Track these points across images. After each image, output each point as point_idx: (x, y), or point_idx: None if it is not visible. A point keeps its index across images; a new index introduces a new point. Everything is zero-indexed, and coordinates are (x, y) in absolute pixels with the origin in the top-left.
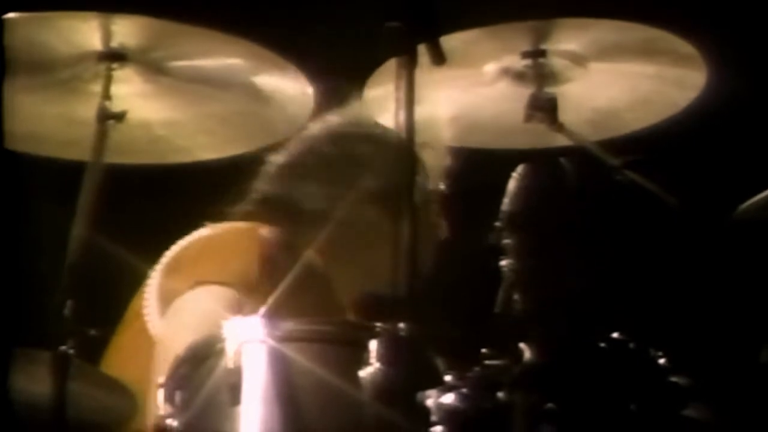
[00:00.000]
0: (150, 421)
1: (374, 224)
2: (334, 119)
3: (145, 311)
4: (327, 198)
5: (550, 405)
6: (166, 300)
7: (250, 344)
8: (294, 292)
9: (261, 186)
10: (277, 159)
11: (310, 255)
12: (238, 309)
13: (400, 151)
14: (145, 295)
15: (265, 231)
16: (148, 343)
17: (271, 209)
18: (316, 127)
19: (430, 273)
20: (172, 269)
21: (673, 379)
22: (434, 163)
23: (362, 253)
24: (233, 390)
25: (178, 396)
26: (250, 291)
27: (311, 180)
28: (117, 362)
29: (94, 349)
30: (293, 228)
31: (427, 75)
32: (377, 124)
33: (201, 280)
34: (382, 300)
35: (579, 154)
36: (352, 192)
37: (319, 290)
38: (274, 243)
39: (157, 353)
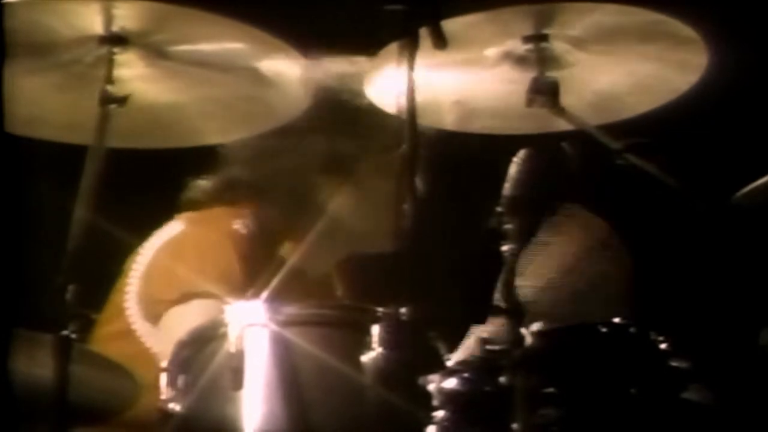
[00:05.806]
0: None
1: (344, 194)
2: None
3: (129, 316)
4: (293, 175)
5: (551, 389)
6: (149, 307)
7: (253, 328)
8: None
9: (226, 168)
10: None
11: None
12: None
13: (370, 118)
14: (126, 299)
15: (237, 225)
16: (133, 343)
17: (236, 193)
18: None
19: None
20: (150, 275)
21: (674, 363)
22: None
23: (337, 223)
24: (235, 374)
25: (180, 380)
26: (234, 291)
27: (274, 159)
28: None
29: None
30: (262, 210)
31: (428, 58)
32: (350, 91)
33: (189, 292)
34: (368, 260)
35: (580, 138)
36: (318, 165)
37: (296, 280)
38: (247, 238)
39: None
